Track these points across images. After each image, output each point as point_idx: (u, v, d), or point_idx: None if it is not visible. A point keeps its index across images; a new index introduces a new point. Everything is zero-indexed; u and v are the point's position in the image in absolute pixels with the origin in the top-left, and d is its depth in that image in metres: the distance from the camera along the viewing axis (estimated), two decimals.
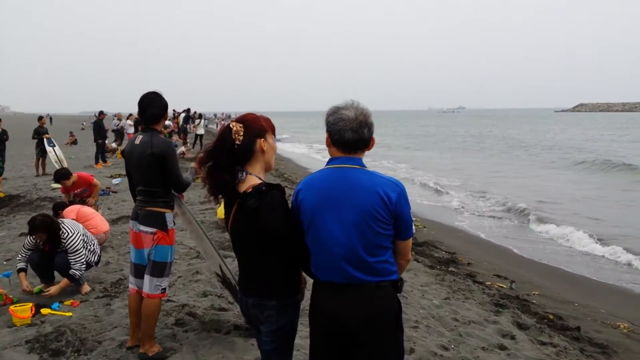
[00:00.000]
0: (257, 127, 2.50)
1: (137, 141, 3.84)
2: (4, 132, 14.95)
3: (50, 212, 7.09)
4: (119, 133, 22.90)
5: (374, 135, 2.39)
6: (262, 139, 2.50)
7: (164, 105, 3.88)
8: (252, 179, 2.45)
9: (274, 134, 2.60)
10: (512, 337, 4.87)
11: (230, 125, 2.47)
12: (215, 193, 2.52)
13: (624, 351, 4.96)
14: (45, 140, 15.68)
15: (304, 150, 34.61)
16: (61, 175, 8.26)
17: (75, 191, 8.42)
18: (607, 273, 8.32)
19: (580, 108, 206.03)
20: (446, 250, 8.95)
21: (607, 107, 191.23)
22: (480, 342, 4.68)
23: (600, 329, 5.59)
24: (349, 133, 2.29)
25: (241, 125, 2.47)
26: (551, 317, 5.74)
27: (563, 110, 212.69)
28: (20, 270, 5.29)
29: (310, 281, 2.50)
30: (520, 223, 12.30)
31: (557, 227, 11.20)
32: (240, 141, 2.44)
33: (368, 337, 2.29)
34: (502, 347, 4.59)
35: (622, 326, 5.66)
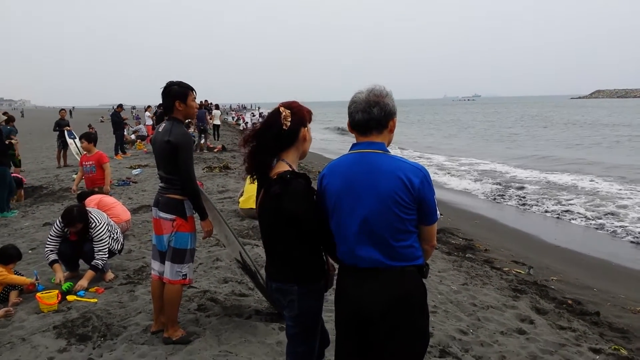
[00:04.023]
0: (302, 115, 2.59)
1: (160, 128, 3.95)
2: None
3: (73, 203, 7.23)
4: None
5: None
6: (305, 128, 2.60)
7: (173, 93, 3.87)
8: (282, 165, 2.52)
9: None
10: (531, 322, 4.88)
11: (280, 110, 2.55)
12: (252, 173, 2.59)
13: None
14: (66, 132, 15.96)
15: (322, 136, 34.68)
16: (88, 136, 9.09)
17: (85, 163, 8.79)
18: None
19: (597, 95, 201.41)
20: (463, 236, 8.94)
21: (625, 93, 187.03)
22: (499, 326, 4.69)
23: (620, 313, 5.57)
24: (359, 114, 2.32)
25: (289, 111, 2.55)
26: (570, 302, 5.73)
27: (580, 97, 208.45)
28: (53, 262, 5.31)
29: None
30: None
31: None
32: (287, 126, 2.52)
33: (392, 322, 2.25)
34: (521, 332, 4.61)
35: None
